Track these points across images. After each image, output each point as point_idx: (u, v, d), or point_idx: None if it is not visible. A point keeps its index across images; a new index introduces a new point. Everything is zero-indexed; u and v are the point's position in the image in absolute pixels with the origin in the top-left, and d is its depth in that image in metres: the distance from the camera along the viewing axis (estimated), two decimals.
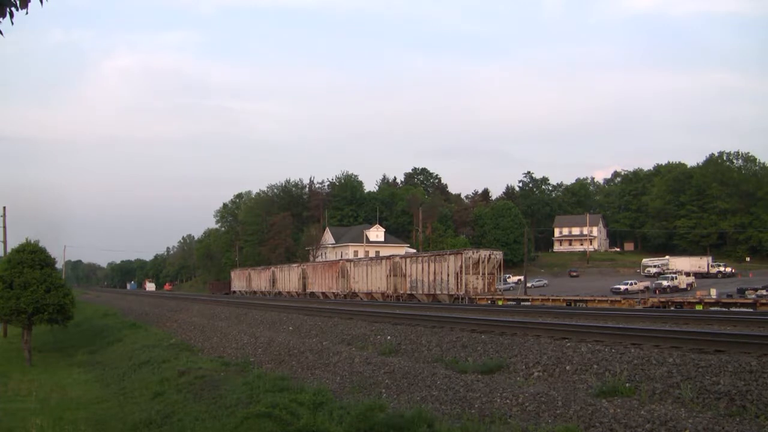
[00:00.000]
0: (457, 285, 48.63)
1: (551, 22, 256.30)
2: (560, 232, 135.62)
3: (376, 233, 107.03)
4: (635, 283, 69.49)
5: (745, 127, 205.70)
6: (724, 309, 33.67)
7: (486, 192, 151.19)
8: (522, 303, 43.87)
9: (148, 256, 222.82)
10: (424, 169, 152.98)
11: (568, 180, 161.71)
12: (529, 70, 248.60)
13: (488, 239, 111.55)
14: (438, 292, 50.26)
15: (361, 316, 25.46)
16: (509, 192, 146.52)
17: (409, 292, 53.78)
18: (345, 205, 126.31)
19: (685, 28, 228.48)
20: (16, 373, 23.79)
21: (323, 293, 68.76)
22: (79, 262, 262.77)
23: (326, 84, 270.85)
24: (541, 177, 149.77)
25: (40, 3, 5.55)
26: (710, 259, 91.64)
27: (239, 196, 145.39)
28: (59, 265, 51.62)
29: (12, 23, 5.40)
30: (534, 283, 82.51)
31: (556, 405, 10.23)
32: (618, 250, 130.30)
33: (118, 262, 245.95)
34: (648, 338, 13.46)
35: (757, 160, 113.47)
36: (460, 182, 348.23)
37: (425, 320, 21.47)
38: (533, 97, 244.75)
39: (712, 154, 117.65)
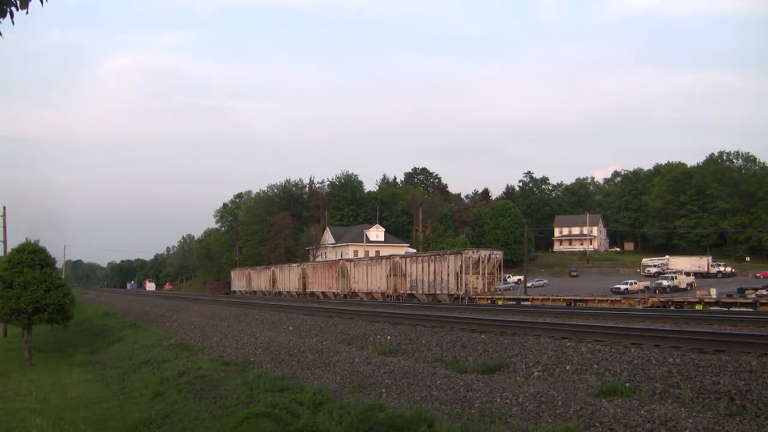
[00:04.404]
0: (457, 285, 48.62)
1: (550, 22, 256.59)
2: (560, 232, 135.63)
3: (376, 233, 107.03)
4: (635, 283, 69.54)
5: (745, 127, 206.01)
6: (724, 309, 33.67)
7: (486, 192, 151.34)
8: (522, 303, 43.86)
9: (148, 256, 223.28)
10: (424, 169, 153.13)
11: (568, 180, 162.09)
12: (529, 70, 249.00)
13: (488, 239, 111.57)
14: (438, 292, 50.25)
15: (361, 316, 25.45)
16: (509, 192, 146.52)
17: (409, 292, 53.77)
18: (345, 205, 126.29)
19: (685, 27, 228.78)
20: (16, 373, 23.79)
21: (323, 293, 68.75)
22: (79, 262, 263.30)
23: (326, 84, 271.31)
24: (541, 177, 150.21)
25: (40, 3, 5.54)
26: (710, 259, 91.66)
27: (239, 196, 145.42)
28: (59, 265, 51.59)
29: (12, 23, 5.40)
30: (534, 283, 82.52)
31: (556, 405, 10.24)
32: (618, 250, 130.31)
33: (118, 262, 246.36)
34: (648, 338, 13.47)
35: (757, 160, 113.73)
36: (460, 182, 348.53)
37: (425, 320, 21.46)
38: (533, 97, 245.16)
39: (712, 154, 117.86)
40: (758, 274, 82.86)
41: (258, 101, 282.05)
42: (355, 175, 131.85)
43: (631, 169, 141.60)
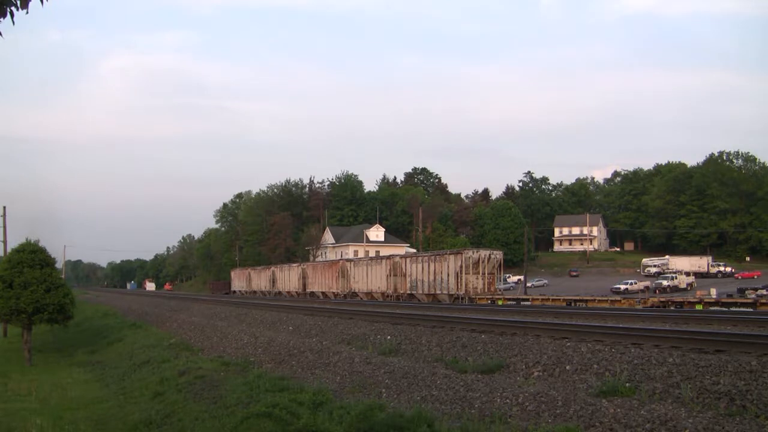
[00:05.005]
0: (457, 285, 48.62)
1: (550, 22, 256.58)
2: (560, 232, 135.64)
3: (376, 233, 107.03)
4: (635, 283, 69.58)
5: (745, 127, 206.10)
6: (724, 309, 33.65)
7: (486, 192, 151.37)
8: (522, 303, 43.85)
9: (148, 256, 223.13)
10: (424, 169, 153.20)
11: (568, 180, 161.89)
12: (529, 70, 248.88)
13: (488, 239, 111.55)
14: (438, 292, 50.25)
15: (361, 316, 25.46)
16: (509, 192, 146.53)
17: (409, 292, 53.77)
18: (345, 205, 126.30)
19: (684, 27, 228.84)
20: (16, 373, 23.78)
21: (323, 293, 68.76)
22: (79, 262, 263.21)
23: (326, 84, 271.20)
24: (541, 177, 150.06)
25: (40, 3, 5.54)
26: (710, 258, 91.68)
27: (239, 196, 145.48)
28: (59, 265, 51.58)
29: (13, 23, 5.39)
30: (534, 283, 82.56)
31: (556, 405, 10.23)
32: (618, 249, 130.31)
33: (118, 262, 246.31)
34: (648, 338, 13.47)
35: (757, 160, 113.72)
36: (460, 182, 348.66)
37: (425, 320, 21.47)
38: (533, 97, 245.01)
39: (712, 154, 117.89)
40: (737, 275, 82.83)
41: (258, 101, 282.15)
42: (355, 175, 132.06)
43: (631, 169, 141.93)
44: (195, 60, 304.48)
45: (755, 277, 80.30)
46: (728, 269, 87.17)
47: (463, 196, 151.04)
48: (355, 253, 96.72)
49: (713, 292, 49.62)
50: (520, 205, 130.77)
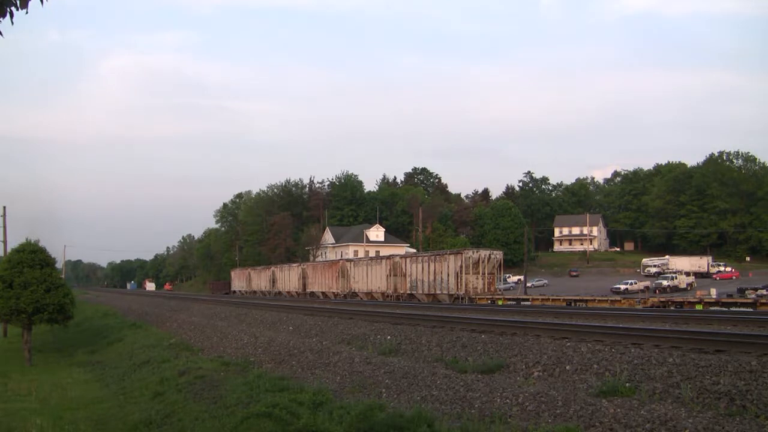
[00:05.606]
0: (457, 285, 48.61)
1: (550, 22, 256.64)
2: (560, 232, 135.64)
3: (376, 233, 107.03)
4: (635, 283, 69.55)
5: (745, 127, 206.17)
6: (724, 309, 33.64)
7: (486, 192, 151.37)
8: (522, 303, 43.85)
9: (148, 256, 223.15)
10: (424, 169, 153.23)
11: (568, 180, 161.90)
12: (529, 70, 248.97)
13: (488, 239, 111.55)
14: (438, 292, 50.25)
15: (361, 316, 25.47)
16: (509, 192, 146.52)
17: (409, 292, 53.77)
18: (345, 205, 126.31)
19: (684, 27, 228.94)
20: (16, 373, 23.78)
21: (323, 293, 68.75)
22: (79, 262, 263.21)
23: (326, 84, 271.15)
24: (541, 177, 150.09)
25: (40, 3, 5.54)
26: (710, 258, 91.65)
27: (239, 196, 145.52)
28: (59, 265, 51.59)
29: (12, 23, 5.39)
30: (534, 283, 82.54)
31: (556, 405, 10.23)
32: (618, 249, 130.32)
33: (118, 262, 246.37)
34: (648, 338, 13.47)
35: (757, 160, 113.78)
36: (460, 182, 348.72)
37: (425, 320, 21.48)
38: (533, 97, 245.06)
39: (712, 154, 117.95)
40: (716, 276, 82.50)
41: (258, 101, 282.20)
42: (355, 175, 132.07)
43: (631, 169, 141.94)
44: (195, 60, 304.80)
45: (733, 278, 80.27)
46: (728, 269, 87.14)
47: (463, 196, 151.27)
48: (355, 253, 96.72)
49: (713, 292, 49.61)
50: (520, 205, 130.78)
